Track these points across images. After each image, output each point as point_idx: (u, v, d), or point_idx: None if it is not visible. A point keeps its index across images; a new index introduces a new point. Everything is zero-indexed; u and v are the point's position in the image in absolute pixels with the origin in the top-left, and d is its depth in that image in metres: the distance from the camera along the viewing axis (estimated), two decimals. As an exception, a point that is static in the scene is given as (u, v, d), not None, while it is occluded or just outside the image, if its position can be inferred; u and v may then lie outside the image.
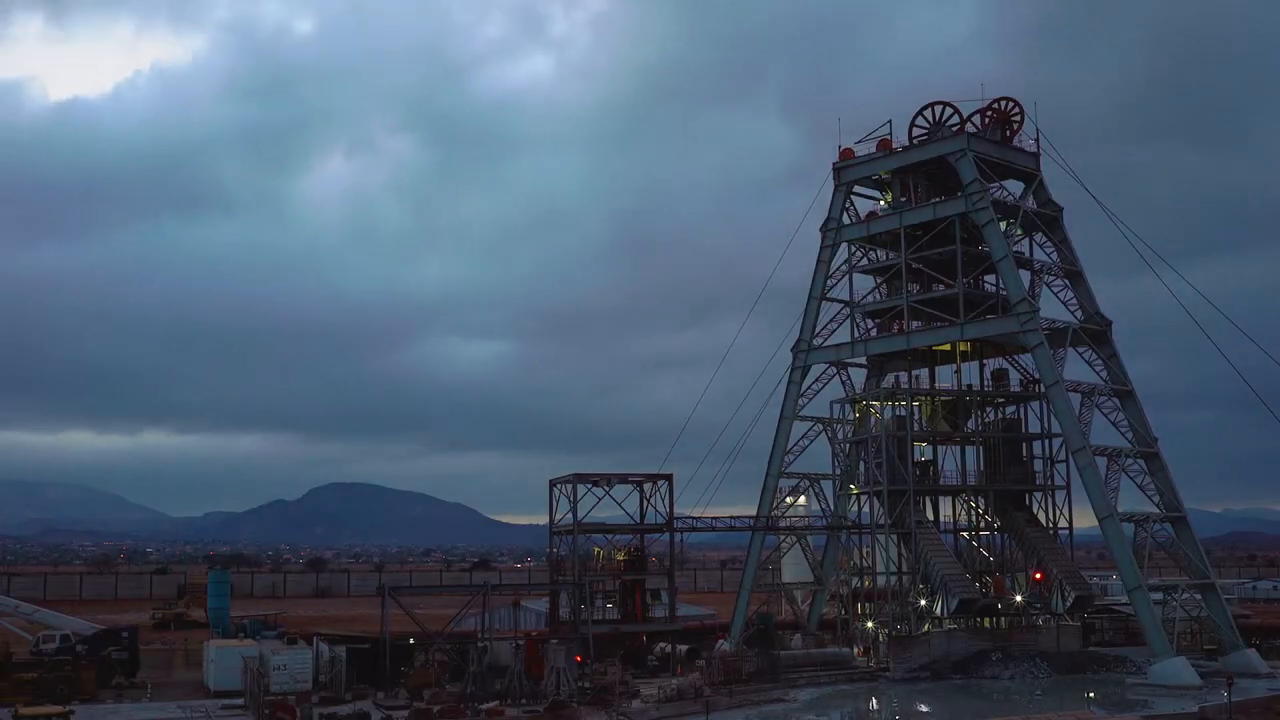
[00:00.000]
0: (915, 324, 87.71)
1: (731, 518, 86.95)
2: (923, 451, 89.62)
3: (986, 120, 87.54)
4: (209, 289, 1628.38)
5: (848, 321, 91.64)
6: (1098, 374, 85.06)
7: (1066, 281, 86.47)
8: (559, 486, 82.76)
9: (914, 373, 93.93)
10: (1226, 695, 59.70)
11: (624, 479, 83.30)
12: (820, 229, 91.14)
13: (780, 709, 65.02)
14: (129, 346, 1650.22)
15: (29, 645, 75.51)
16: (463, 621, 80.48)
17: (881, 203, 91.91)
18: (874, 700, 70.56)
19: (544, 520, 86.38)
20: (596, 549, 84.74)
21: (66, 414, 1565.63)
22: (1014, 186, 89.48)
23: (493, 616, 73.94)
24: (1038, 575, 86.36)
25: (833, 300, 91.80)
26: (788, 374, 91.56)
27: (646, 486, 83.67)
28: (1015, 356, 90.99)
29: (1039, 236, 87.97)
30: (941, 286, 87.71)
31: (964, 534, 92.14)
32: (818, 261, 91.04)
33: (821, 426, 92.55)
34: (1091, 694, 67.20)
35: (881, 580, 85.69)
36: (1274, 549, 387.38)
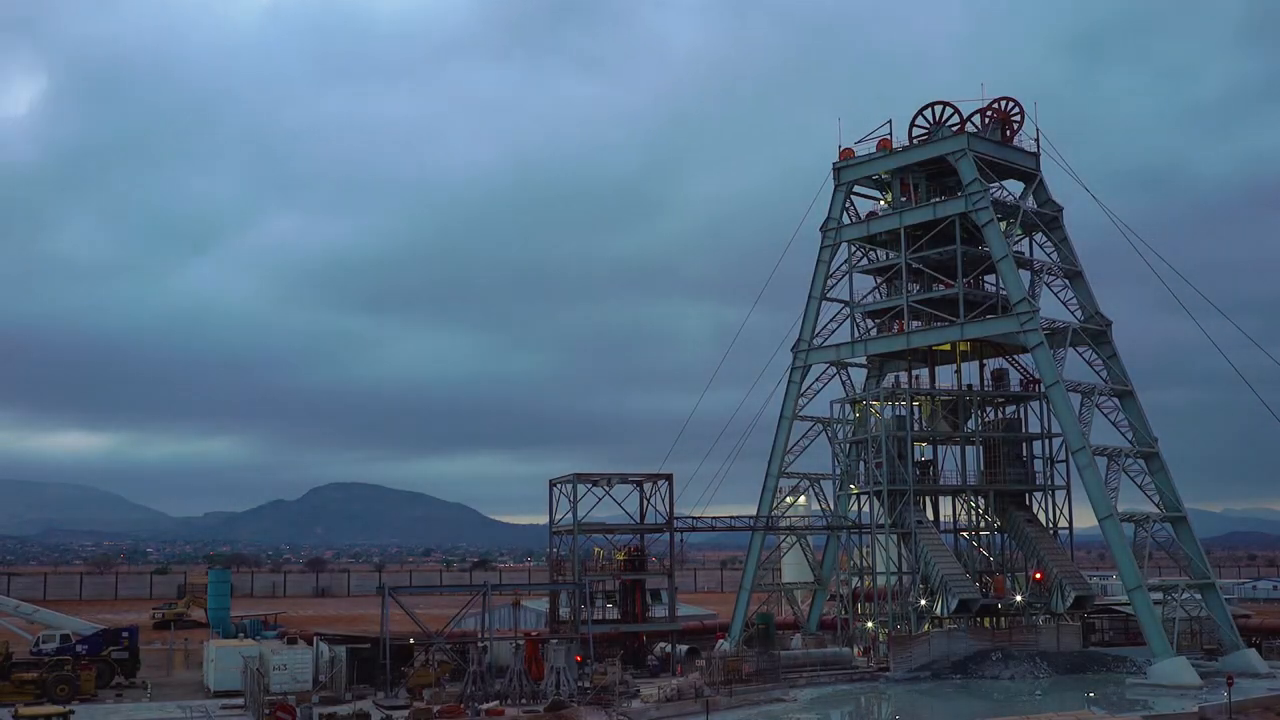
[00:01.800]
0: (915, 324, 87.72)
1: (731, 518, 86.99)
2: (923, 451, 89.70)
3: (986, 120, 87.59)
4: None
5: (848, 321, 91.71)
6: (1098, 374, 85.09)
7: (1066, 281, 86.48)
8: (559, 486, 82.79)
9: (914, 373, 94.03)
10: (1226, 695, 59.75)
11: (624, 479, 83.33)
12: (820, 229, 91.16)
13: (780, 709, 64.95)
14: (129, 346, 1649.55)
15: (29, 645, 75.49)
16: (463, 621, 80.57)
17: (881, 203, 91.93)
18: (874, 700, 70.55)
19: (544, 520, 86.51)
20: (596, 549, 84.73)
21: (67, 414, 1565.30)
22: (1014, 186, 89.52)
23: (493, 616, 73.94)
24: (1038, 575, 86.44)
25: (833, 300, 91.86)
26: (788, 374, 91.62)
27: (646, 486, 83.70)
28: (1015, 356, 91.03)
29: (1039, 236, 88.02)
30: (941, 286, 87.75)
31: (964, 534, 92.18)
32: (818, 261, 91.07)
33: (821, 426, 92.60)
34: (1091, 694, 67.20)
35: (881, 580, 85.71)
36: (1274, 549, 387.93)
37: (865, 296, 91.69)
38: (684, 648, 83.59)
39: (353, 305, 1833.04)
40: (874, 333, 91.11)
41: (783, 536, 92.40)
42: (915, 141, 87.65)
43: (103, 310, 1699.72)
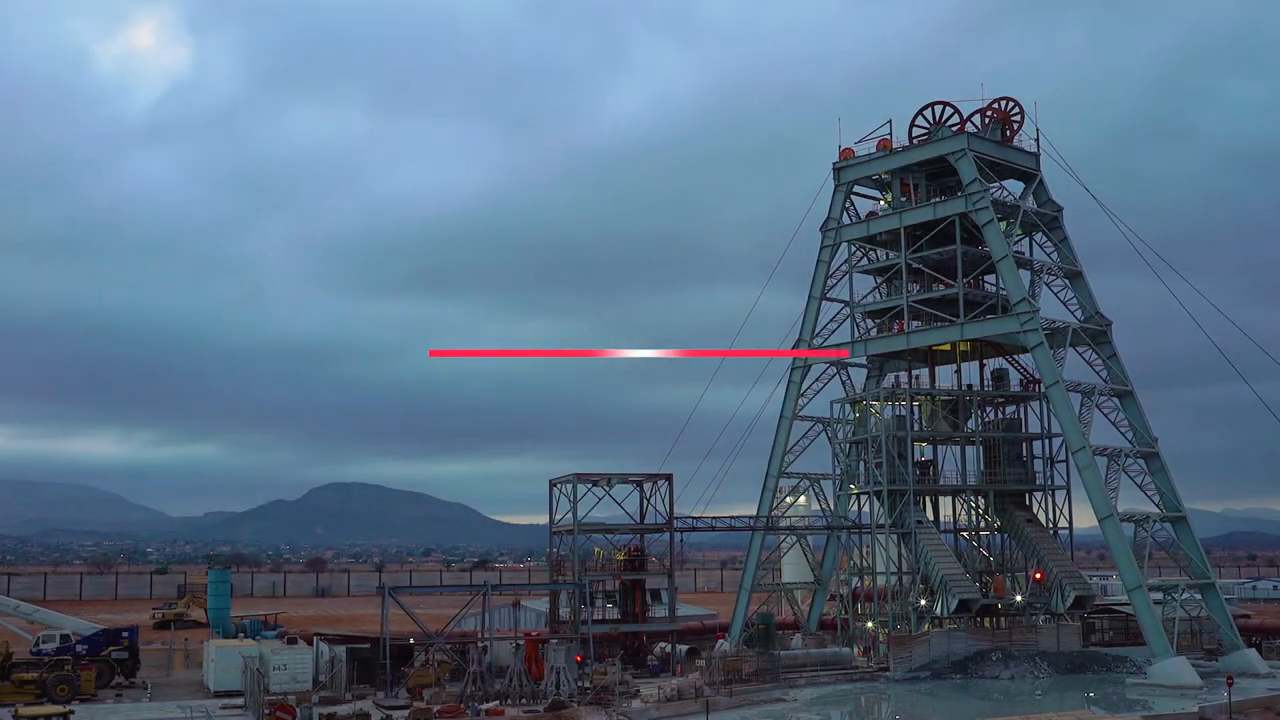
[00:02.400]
0: (915, 324, 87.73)
1: (731, 518, 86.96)
2: (923, 451, 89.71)
3: (986, 120, 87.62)
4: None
5: (848, 321, 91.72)
6: (1098, 374, 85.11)
7: (1066, 281, 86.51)
8: (559, 486, 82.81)
9: (914, 373, 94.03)
10: (1226, 695, 59.78)
11: (624, 479, 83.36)
12: (820, 229, 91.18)
13: (780, 709, 65.00)
14: (128, 346, 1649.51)
15: (29, 645, 75.51)
16: (463, 621, 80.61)
17: (881, 203, 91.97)
18: (874, 700, 70.55)
19: (544, 520, 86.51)
20: (596, 549, 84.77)
21: (66, 414, 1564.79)
22: (1014, 186, 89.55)
23: (493, 616, 73.96)
24: (1038, 575, 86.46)
25: (833, 300, 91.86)
26: (788, 374, 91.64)
27: (646, 486, 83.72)
28: (1015, 356, 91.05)
29: (1039, 236, 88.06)
30: (941, 286, 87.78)
31: (964, 534, 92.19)
32: (818, 261, 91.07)
33: (821, 426, 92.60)
34: (1091, 694, 67.28)
35: (881, 580, 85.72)
36: (1274, 549, 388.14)
37: (865, 296, 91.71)
38: (684, 648, 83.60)
39: (377, 290, 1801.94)
40: (874, 333, 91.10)
41: (783, 536, 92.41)
42: (915, 141, 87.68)
43: (111, 311, 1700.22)
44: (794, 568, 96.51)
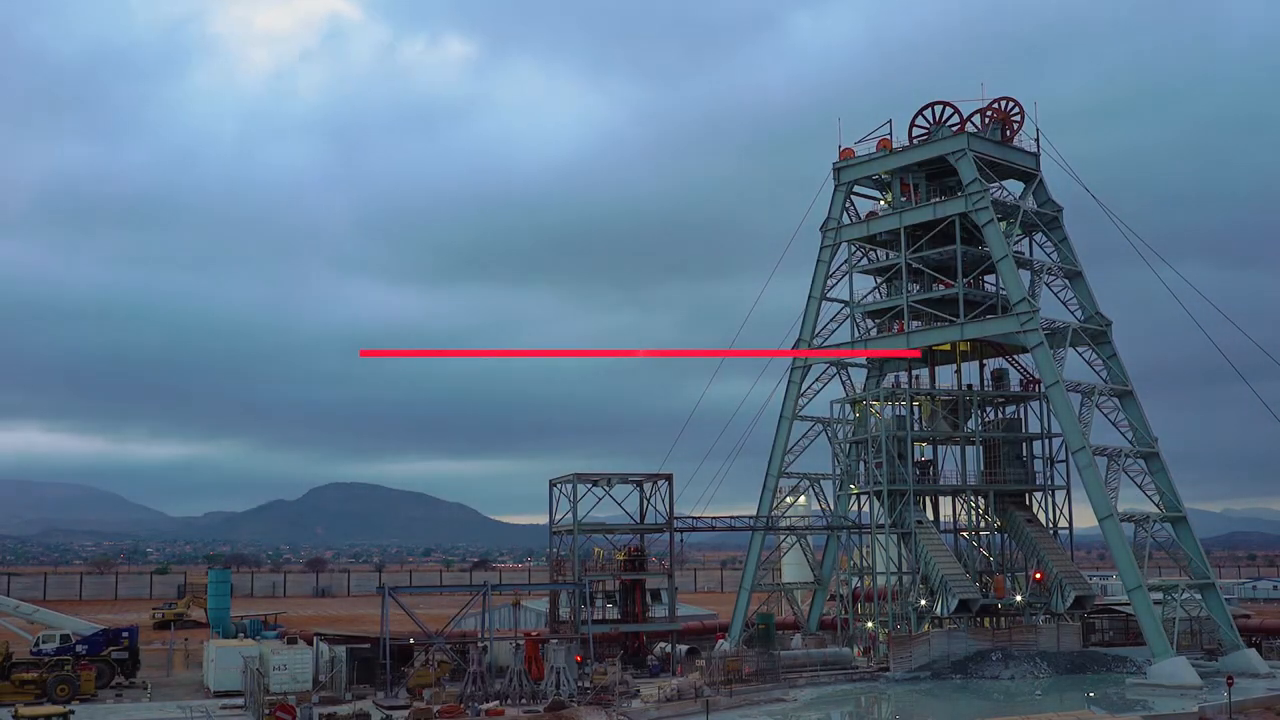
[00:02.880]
0: (915, 324, 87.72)
1: (731, 518, 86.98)
2: (923, 451, 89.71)
3: (986, 120, 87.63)
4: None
5: (848, 321, 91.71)
6: (1098, 374, 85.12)
7: (1066, 281, 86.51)
8: (559, 486, 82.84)
9: (914, 373, 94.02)
10: (1226, 695, 59.79)
11: (624, 479, 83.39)
12: (820, 229, 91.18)
13: (780, 709, 64.99)
14: (129, 345, 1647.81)
15: (29, 645, 75.52)
16: (463, 621, 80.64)
17: (881, 203, 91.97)
18: (874, 700, 70.56)
19: (544, 520, 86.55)
20: (596, 549, 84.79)
21: (66, 414, 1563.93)
22: (1014, 186, 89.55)
23: (493, 616, 73.99)
24: (1038, 575, 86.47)
25: (833, 300, 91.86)
26: (788, 374, 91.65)
27: (646, 486, 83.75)
28: (1015, 356, 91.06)
29: (1039, 236, 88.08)
30: (941, 286, 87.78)
31: (964, 534, 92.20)
32: (818, 261, 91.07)
33: (821, 426, 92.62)
34: (1091, 694, 67.28)
35: (881, 580, 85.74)
36: (1274, 549, 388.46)
37: (865, 296, 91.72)
38: (684, 648, 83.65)
39: (414, 277, 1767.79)
40: (874, 333, 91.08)
41: (783, 536, 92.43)
42: (915, 141, 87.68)
43: (114, 309, 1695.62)
44: (794, 568, 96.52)
